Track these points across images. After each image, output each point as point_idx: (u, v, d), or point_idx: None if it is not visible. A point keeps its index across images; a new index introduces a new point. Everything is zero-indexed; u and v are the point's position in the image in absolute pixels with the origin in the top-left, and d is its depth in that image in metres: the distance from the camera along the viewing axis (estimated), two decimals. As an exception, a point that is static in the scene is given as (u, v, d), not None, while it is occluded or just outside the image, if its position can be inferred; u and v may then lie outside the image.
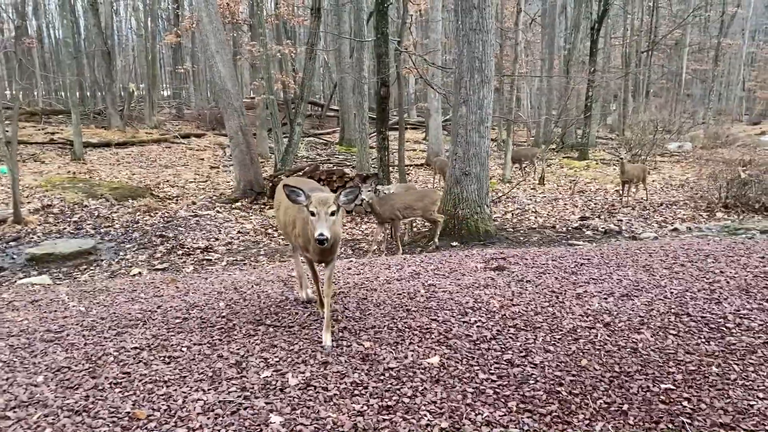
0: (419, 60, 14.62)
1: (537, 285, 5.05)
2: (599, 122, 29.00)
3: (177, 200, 13.35)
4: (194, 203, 13.09)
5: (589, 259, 5.97)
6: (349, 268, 6.06)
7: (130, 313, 4.71)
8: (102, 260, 9.18)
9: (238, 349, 3.83)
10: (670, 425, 2.91)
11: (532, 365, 3.54)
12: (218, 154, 22.52)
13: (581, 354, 3.68)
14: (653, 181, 16.62)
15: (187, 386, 3.31)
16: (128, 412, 3.04)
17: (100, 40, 26.13)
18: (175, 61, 42.26)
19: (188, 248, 9.46)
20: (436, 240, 9.15)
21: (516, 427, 2.92)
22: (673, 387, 3.26)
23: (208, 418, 2.97)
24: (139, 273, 8.12)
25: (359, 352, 3.75)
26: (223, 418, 2.97)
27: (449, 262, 6.17)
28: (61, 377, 3.47)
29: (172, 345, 3.92)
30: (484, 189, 9.45)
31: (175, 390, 3.26)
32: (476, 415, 3.02)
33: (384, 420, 2.97)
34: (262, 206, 12.94)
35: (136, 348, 3.89)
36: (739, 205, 11.87)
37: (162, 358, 3.71)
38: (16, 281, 8.07)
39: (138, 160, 20.25)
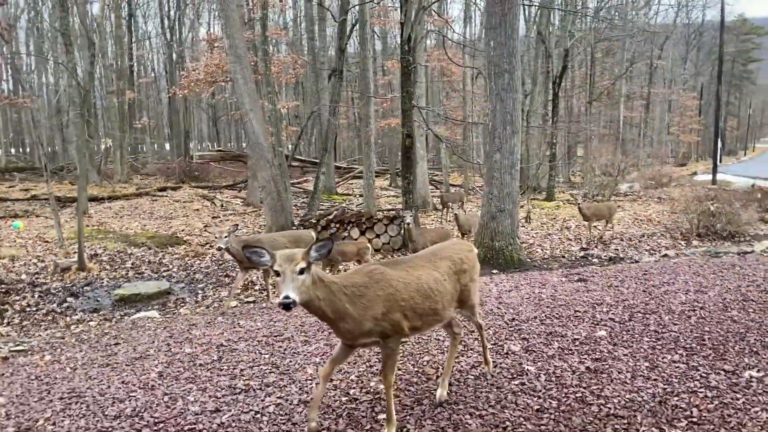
0: (430, 114, 16.35)
1: (626, 288, 6.57)
2: (567, 167, 31.50)
3: (211, 246, 14.24)
4: (227, 248, 14.01)
5: (645, 271, 7.57)
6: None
7: (286, 327, 5.91)
8: (183, 298, 10.07)
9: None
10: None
11: (673, 332, 5.00)
12: (207, 205, 23.27)
13: (701, 324, 5.19)
14: (622, 217, 18.75)
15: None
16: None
17: (80, 99, 26.66)
18: (131, 115, 42.54)
19: (262, 284, 10.48)
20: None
21: (693, 362, 4.35)
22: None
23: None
24: (236, 305, 9.11)
25: (548, 330, 5.12)
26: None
27: (533, 279, 7.62)
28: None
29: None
30: (515, 223, 11.04)
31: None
32: (662, 359, 4.44)
33: (599, 367, 4.33)
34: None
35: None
36: (710, 234, 13.97)
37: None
38: (122, 317, 8.94)
39: (134, 212, 20.83)
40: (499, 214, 10.90)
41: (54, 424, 4.09)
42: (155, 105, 51.13)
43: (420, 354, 4.86)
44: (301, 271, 3.08)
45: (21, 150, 44.75)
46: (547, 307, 5.98)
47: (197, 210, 21.51)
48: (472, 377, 4.29)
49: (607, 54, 38.60)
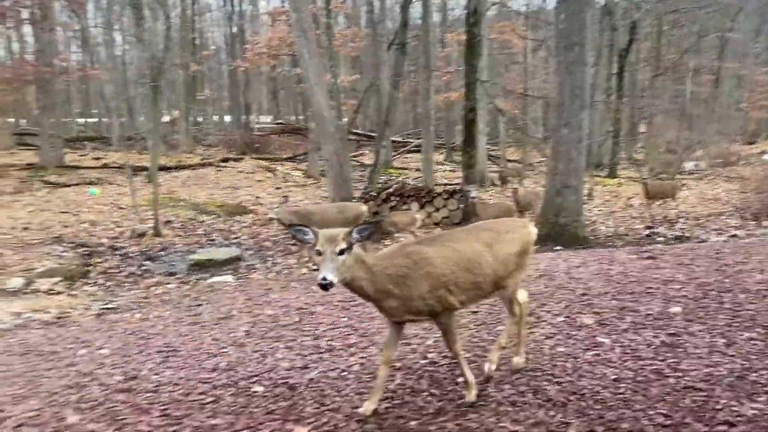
0: (491, 87, 16.23)
1: (698, 267, 6.52)
2: (630, 144, 30.65)
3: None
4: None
5: (717, 250, 7.46)
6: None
7: None
8: (253, 265, 10.51)
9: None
10: None
11: (750, 311, 4.98)
12: (269, 177, 23.81)
13: (779, 303, 5.14)
14: (687, 196, 18.23)
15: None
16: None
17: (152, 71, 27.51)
18: (194, 87, 43.35)
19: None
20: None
21: (772, 341, 4.35)
22: None
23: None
24: (305, 272, 9.46)
25: (620, 305, 5.19)
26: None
27: (600, 256, 7.63)
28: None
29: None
30: (580, 200, 10.97)
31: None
32: (739, 337, 4.45)
33: (674, 342, 4.38)
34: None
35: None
36: (782, 214, 13.48)
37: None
38: (198, 281, 9.43)
39: (200, 182, 21.56)
40: (564, 189, 10.85)
41: (157, 374, 4.46)
42: (216, 77, 52.14)
43: (493, 324, 5.02)
44: (341, 252, 3.12)
45: (90, 120, 46.59)
46: (618, 283, 6.01)
47: (260, 181, 22.09)
48: (548, 347, 4.42)
49: (675, 26, 37.05)
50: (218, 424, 3.58)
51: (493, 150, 29.19)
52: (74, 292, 8.80)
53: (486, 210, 10.52)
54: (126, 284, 9.51)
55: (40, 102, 22.57)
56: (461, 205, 13.10)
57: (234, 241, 12.17)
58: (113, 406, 3.92)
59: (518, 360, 4.09)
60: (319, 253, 3.13)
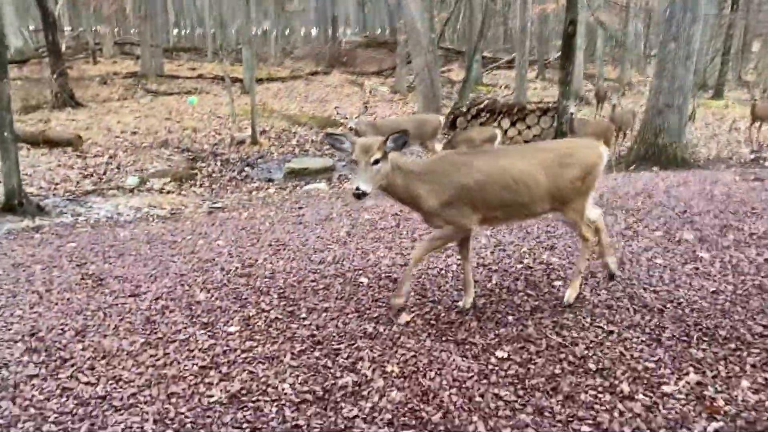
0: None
1: (811, 190, 6.22)
2: (740, 63, 28.34)
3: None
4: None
5: (833, 174, 7.04)
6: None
7: None
8: (345, 175, 10.86)
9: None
10: None
11: None
12: (356, 91, 23.88)
13: None
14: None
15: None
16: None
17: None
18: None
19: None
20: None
21: None
22: None
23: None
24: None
25: (722, 224, 5.11)
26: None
27: (702, 177, 7.38)
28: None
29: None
30: (683, 120, 10.47)
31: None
32: None
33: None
34: (443, 135, 14.34)
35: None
36: None
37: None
38: (294, 187, 9.90)
39: (290, 94, 21.96)
40: (666, 109, 10.38)
41: (271, 263, 4.89)
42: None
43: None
44: (376, 162, 3.18)
45: (184, 31, 47.75)
46: (721, 202, 5.87)
47: (348, 95, 22.22)
48: (645, 259, 4.47)
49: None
50: (330, 306, 3.94)
51: (586, 67, 27.81)
52: (183, 192, 9.49)
53: (583, 127, 10.23)
54: (229, 187, 10.13)
55: (141, 12, 23.30)
56: (555, 123, 12.79)
57: (327, 152, 12.53)
58: (236, 288, 4.37)
59: (570, 293, 3.83)
60: (355, 162, 3.20)
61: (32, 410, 2.93)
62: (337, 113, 9.62)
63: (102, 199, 8.74)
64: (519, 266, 4.49)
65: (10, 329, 3.83)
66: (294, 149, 12.87)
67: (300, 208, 7.34)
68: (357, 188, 3.13)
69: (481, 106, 14.07)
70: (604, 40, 24.56)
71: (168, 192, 9.31)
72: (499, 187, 3.50)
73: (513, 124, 13.34)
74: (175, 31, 44.94)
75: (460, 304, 3.85)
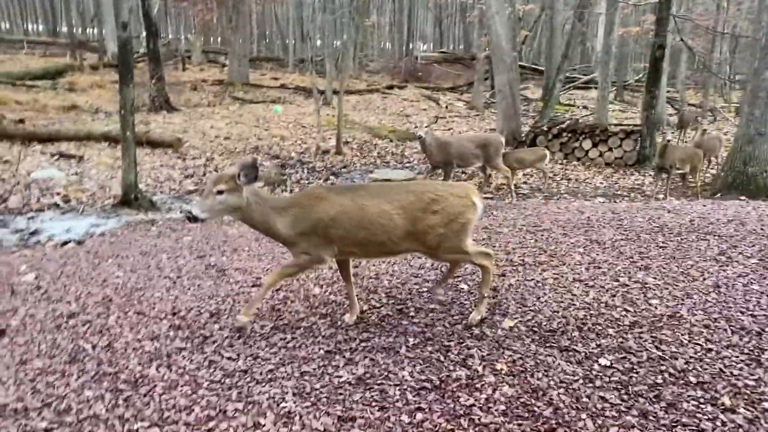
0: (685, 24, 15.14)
1: None
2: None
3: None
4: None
5: None
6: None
7: (542, 220, 6.44)
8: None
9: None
10: None
11: None
12: (432, 106, 24.28)
13: None
14: None
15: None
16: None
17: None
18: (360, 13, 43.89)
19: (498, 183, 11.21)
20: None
21: None
22: None
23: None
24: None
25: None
26: None
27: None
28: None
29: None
30: (774, 149, 10.26)
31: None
32: None
33: None
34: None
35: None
36: None
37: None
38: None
39: (368, 107, 22.58)
40: (758, 137, 10.24)
41: (374, 265, 5.25)
42: (379, 3, 52.77)
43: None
44: (220, 192, 3.45)
45: (265, 42, 49.63)
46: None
47: (424, 109, 22.66)
48: (741, 284, 4.57)
49: None
50: (435, 308, 4.26)
51: (668, 91, 27.22)
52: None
53: (671, 152, 10.15)
54: (316, 194, 10.63)
55: (232, 22, 24.54)
56: (638, 147, 12.77)
57: (407, 164, 12.93)
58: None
59: (474, 316, 4.01)
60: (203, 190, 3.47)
61: (186, 377, 3.38)
62: (434, 121, 9.84)
63: (203, 199, 9.38)
64: (615, 283, 4.68)
65: (154, 308, 4.34)
66: (375, 160, 13.33)
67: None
68: (189, 212, 3.44)
69: (563, 125, 14.15)
70: (687, 64, 24.05)
71: (262, 195, 9.89)
72: (354, 226, 3.68)
73: (595, 145, 13.35)
74: (257, 41, 46.80)
75: (345, 318, 4.08)
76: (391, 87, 29.24)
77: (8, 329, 4.00)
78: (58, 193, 8.72)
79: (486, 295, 4.04)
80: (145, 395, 3.18)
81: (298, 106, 20.55)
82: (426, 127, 9.17)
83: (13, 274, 5.41)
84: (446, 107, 23.44)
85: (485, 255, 3.96)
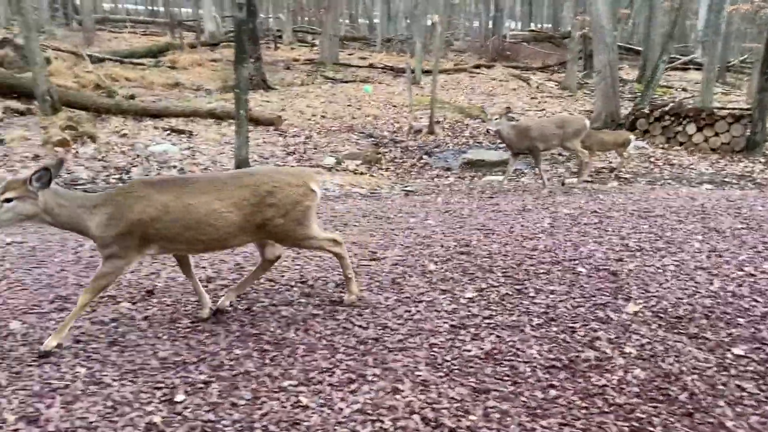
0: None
1: None
2: None
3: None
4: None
5: None
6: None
7: (653, 207, 6.24)
8: (520, 169, 11.07)
9: None
10: None
11: None
12: (522, 86, 23.74)
13: None
14: None
15: None
16: None
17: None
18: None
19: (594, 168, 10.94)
20: None
21: None
22: None
23: None
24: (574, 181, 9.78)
25: None
26: None
27: None
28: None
29: None
30: None
31: None
32: None
33: None
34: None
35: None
36: None
37: None
38: (472, 178, 10.32)
39: (457, 87, 22.37)
40: None
41: (485, 245, 5.34)
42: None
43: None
44: (8, 200, 3.17)
45: (349, 21, 49.99)
46: None
47: (514, 89, 22.23)
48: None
49: None
50: (555, 290, 4.30)
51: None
52: (373, 174, 10.29)
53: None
54: (411, 173, 10.79)
55: (325, 2, 24.86)
56: (747, 132, 12.10)
57: (500, 145, 12.79)
58: (460, 263, 4.87)
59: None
60: None
61: (324, 341, 3.60)
62: (483, 111, 9.21)
63: (306, 175, 9.74)
64: (740, 273, 4.55)
65: (283, 276, 4.61)
66: (468, 140, 13.30)
67: (490, 197, 7.75)
68: None
69: (666, 108, 13.58)
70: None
71: (361, 173, 10.14)
72: (180, 227, 3.47)
73: (699, 129, 12.75)
74: (345, 21, 47.23)
75: (201, 313, 3.91)
76: (478, 66, 28.77)
77: (155, 289, 4.37)
78: (175, 167, 9.28)
79: (349, 276, 4.03)
80: (288, 356, 3.42)
81: (388, 86, 20.69)
82: (497, 118, 8.51)
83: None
84: (537, 87, 22.90)
85: (334, 242, 3.94)
